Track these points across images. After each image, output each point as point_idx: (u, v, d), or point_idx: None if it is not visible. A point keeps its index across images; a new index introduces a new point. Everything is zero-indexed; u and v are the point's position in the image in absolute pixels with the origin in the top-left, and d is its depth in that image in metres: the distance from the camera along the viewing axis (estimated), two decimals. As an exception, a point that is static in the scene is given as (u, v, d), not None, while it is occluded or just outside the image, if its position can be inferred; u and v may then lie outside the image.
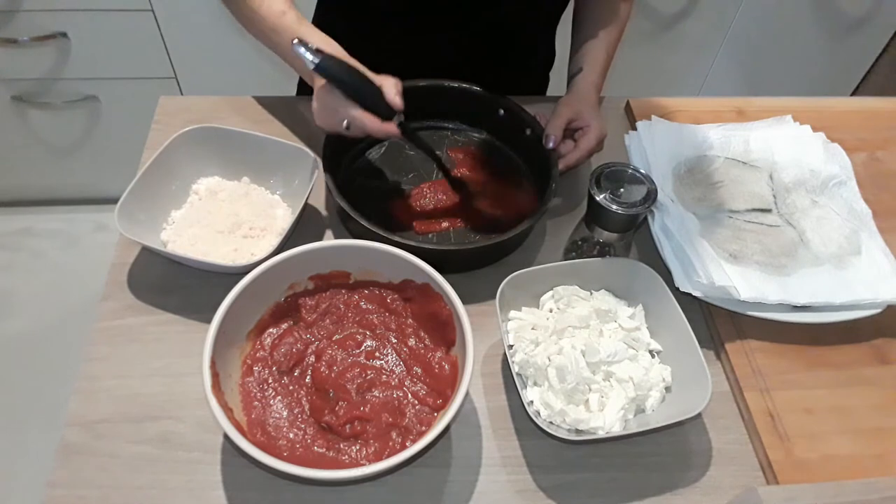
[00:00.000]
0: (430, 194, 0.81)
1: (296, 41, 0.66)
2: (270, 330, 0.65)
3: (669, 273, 0.73)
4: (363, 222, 0.70)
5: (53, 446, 0.60)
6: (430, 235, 0.78)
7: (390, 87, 0.69)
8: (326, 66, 0.66)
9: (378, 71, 0.83)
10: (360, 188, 0.82)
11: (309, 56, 0.66)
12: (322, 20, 0.97)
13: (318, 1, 0.94)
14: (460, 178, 0.83)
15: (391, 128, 0.69)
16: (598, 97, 0.84)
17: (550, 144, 0.78)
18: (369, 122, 0.68)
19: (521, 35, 0.93)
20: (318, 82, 0.69)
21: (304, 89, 1.04)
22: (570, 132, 0.81)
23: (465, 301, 0.61)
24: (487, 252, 0.75)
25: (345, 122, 0.69)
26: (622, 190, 0.66)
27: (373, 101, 0.68)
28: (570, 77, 0.87)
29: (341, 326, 0.67)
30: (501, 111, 0.86)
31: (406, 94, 0.84)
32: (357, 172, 0.84)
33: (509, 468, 0.62)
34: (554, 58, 1.05)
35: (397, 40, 0.89)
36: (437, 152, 0.81)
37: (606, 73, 0.86)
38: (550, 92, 1.07)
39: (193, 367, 0.57)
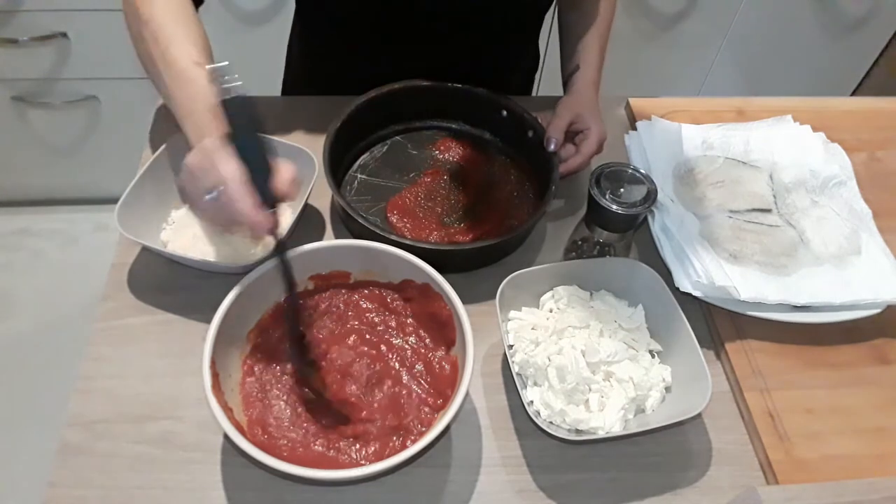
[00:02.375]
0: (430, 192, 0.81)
1: (221, 65, 0.53)
2: (271, 330, 0.65)
3: (669, 273, 0.73)
4: (363, 222, 0.70)
5: (53, 446, 0.60)
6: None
7: (286, 173, 0.54)
8: (239, 103, 0.52)
9: (359, 77, 0.82)
10: (360, 187, 0.82)
11: (226, 84, 0.52)
12: (299, 29, 0.97)
13: (296, 10, 0.93)
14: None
15: (265, 220, 0.53)
16: (597, 95, 0.83)
17: (552, 147, 0.78)
18: (245, 199, 0.52)
19: (503, 43, 0.92)
20: (215, 132, 0.55)
21: (290, 90, 1.04)
22: (571, 135, 0.81)
23: (465, 301, 0.61)
24: (487, 252, 0.75)
25: (215, 188, 0.53)
26: (622, 190, 0.66)
27: (261, 179, 0.53)
28: (568, 76, 0.86)
29: (341, 326, 0.67)
30: (504, 112, 0.86)
31: (409, 93, 0.85)
32: (357, 172, 0.84)
33: (509, 468, 0.62)
34: (538, 62, 1.05)
35: (376, 50, 0.89)
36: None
37: (602, 67, 0.86)
38: (541, 92, 1.07)
39: (193, 367, 0.57)
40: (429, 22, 0.84)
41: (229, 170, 0.52)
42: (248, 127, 0.53)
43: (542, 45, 1.03)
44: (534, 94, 1.11)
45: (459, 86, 0.86)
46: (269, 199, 0.53)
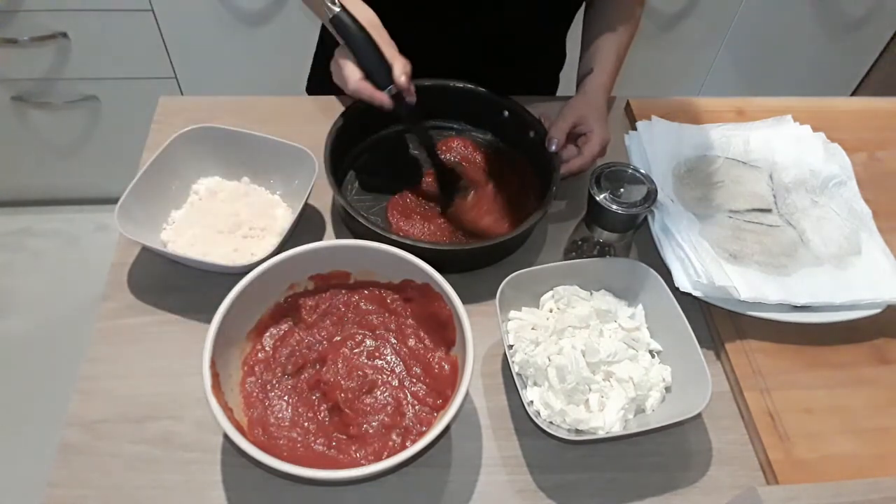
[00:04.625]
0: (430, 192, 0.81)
1: None
2: (271, 330, 0.65)
3: (669, 273, 0.73)
4: (363, 222, 0.70)
5: (53, 446, 0.60)
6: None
7: (398, 66, 0.71)
8: (342, 21, 0.69)
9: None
10: (361, 187, 0.82)
11: (330, 4, 0.69)
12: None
13: None
14: (453, 175, 0.82)
15: (382, 97, 0.71)
16: (606, 99, 0.83)
17: (553, 148, 0.78)
18: (364, 88, 0.71)
19: (528, 38, 0.92)
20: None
21: (314, 88, 1.04)
22: (574, 136, 0.81)
23: (465, 301, 0.61)
24: (487, 252, 0.75)
25: (345, 84, 0.72)
26: (622, 190, 0.66)
27: (377, 73, 0.71)
28: (581, 78, 0.86)
29: (341, 327, 0.67)
30: (506, 113, 0.86)
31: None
32: (357, 171, 0.84)
33: (509, 468, 0.62)
34: (564, 60, 1.05)
35: (402, 42, 0.89)
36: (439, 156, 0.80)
37: (617, 74, 0.86)
38: (561, 92, 1.07)
39: (193, 367, 0.57)
40: (457, 21, 0.84)
41: (347, 72, 0.72)
42: (357, 31, 0.70)
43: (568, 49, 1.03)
44: (558, 93, 1.10)
45: (461, 85, 0.86)
46: (387, 84, 0.71)
